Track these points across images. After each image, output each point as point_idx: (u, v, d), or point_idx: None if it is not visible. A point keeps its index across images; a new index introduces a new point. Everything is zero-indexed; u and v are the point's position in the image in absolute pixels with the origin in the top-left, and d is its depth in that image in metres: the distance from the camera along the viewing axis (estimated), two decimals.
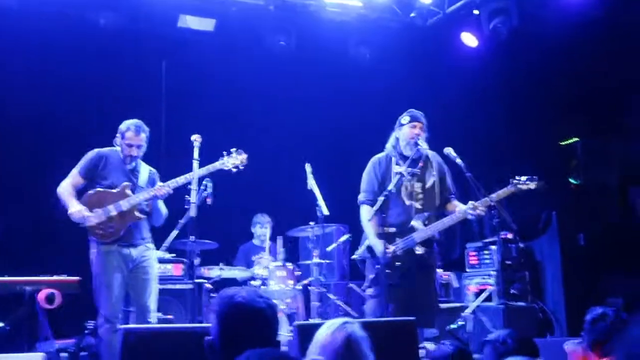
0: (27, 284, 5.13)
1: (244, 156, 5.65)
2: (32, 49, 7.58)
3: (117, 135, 5.58)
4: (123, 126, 5.56)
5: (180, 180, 5.49)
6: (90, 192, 5.45)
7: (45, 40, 7.59)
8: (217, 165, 5.59)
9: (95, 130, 7.12)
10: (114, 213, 5.36)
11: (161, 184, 5.53)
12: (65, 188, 5.39)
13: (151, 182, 5.70)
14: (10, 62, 7.49)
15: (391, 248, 5.39)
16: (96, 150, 5.57)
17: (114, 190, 5.46)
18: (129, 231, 5.44)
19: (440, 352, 3.58)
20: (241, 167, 5.64)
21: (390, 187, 5.43)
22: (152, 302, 5.45)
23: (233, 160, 5.63)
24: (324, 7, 8.29)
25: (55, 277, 5.47)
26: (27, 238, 7.07)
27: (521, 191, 5.50)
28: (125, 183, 5.49)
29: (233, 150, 5.63)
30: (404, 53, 8.89)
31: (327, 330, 2.82)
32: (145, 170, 5.70)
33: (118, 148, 5.60)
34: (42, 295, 4.95)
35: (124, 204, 5.39)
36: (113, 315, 5.25)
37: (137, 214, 5.46)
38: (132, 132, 5.51)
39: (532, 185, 5.49)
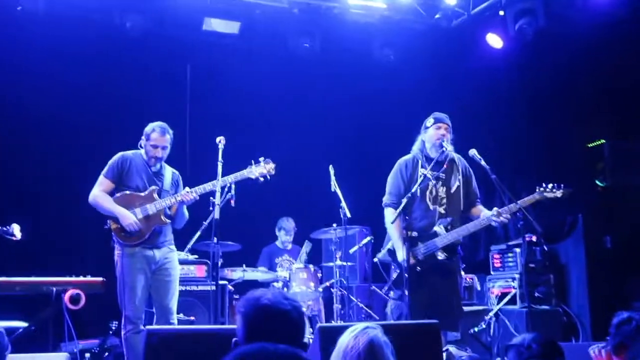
0: (53, 285, 5.19)
1: (271, 165, 5.69)
2: (58, 52, 7.66)
3: (142, 137, 5.63)
4: (148, 128, 5.61)
5: (208, 187, 5.54)
6: (118, 195, 5.51)
7: (71, 44, 7.68)
8: (244, 173, 5.64)
9: (121, 133, 7.19)
10: (140, 216, 5.42)
11: (188, 189, 5.57)
12: (101, 196, 5.45)
13: (175, 185, 5.76)
14: (36, 66, 7.59)
15: (412, 260, 5.36)
16: (120, 153, 5.62)
17: (141, 194, 5.53)
18: (154, 234, 5.49)
19: None
20: (268, 177, 5.68)
21: (414, 189, 5.41)
22: (174, 303, 5.51)
23: (260, 169, 5.66)
24: (347, 9, 8.28)
25: (80, 278, 5.52)
26: (52, 239, 7.17)
27: (547, 199, 5.44)
28: (153, 187, 5.56)
29: (261, 159, 5.67)
30: (428, 55, 8.86)
31: (349, 335, 2.82)
32: (169, 173, 5.76)
33: (142, 151, 5.66)
34: (67, 296, 5.00)
35: (151, 208, 5.46)
36: (136, 317, 5.30)
37: (163, 218, 5.52)
38: (158, 133, 5.56)
39: (559, 194, 5.42)
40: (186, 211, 5.76)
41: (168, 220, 5.57)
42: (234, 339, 2.45)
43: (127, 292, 5.28)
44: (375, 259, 5.85)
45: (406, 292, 5.18)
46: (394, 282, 5.53)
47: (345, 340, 2.81)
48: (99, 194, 5.46)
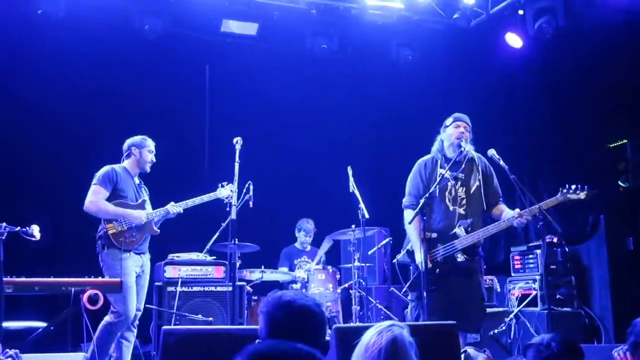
0: (72, 285, 5.20)
1: (229, 189, 6.19)
2: (78, 55, 7.73)
3: (133, 148, 6.10)
4: (137, 138, 6.14)
5: (189, 203, 6.15)
6: (114, 202, 5.89)
7: (90, 47, 7.74)
8: (216, 194, 6.24)
9: (141, 134, 7.23)
10: (141, 222, 5.90)
11: (173, 203, 6.10)
12: (102, 202, 5.83)
13: (149, 197, 6.28)
14: (57, 69, 7.66)
15: (430, 262, 5.31)
16: (109, 166, 6.01)
17: (133, 203, 5.98)
18: (144, 241, 6.04)
19: None
20: (230, 200, 6.11)
21: (431, 189, 5.36)
22: (141, 303, 6.01)
23: (226, 192, 6.22)
24: (365, 9, 8.25)
25: (99, 279, 5.54)
26: (71, 240, 7.21)
27: (570, 201, 5.33)
28: (143, 198, 6.10)
29: (225, 183, 6.25)
30: (447, 55, 8.82)
31: (374, 331, 2.80)
32: (144, 187, 6.28)
33: (125, 163, 6.12)
34: (85, 296, 5.02)
35: (143, 218, 5.92)
36: (131, 313, 5.72)
37: (154, 227, 6.05)
38: (149, 140, 6.15)
39: (582, 195, 5.28)
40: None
41: (157, 230, 6.09)
42: (257, 341, 2.42)
43: (126, 291, 5.63)
44: (394, 261, 5.81)
45: (424, 294, 5.14)
46: (412, 283, 5.49)
47: (368, 335, 2.78)
48: (98, 200, 5.82)
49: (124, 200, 5.92)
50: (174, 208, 6.06)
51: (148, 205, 6.12)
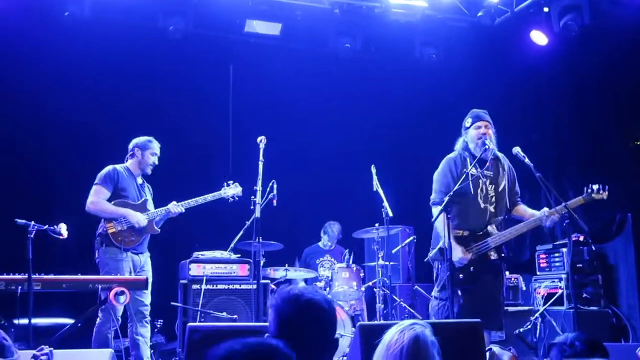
0: (99, 282, 5.28)
1: (239, 188, 6.42)
2: (104, 56, 7.83)
3: (135, 149, 6.19)
4: (142, 140, 6.25)
5: (192, 202, 6.19)
6: (115, 202, 5.98)
7: (116, 47, 7.82)
8: (220, 193, 6.35)
9: (165, 135, 7.30)
10: (139, 226, 5.95)
11: (175, 203, 6.14)
12: (102, 202, 5.94)
13: (152, 196, 6.34)
14: (82, 70, 7.76)
15: (468, 255, 5.31)
16: (111, 166, 6.10)
17: (134, 203, 6.05)
18: (144, 240, 6.09)
19: None
20: (236, 198, 6.40)
21: (457, 186, 5.31)
22: (148, 299, 6.00)
23: (232, 191, 6.38)
24: (389, 8, 8.23)
25: (125, 276, 5.62)
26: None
27: (594, 201, 5.35)
28: (145, 198, 6.14)
29: (230, 182, 6.42)
30: (471, 53, 8.77)
31: (396, 329, 2.80)
32: (146, 185, 6.33)
33: (128, 163, 6.21)
34: (112, 294, 5.09)
35: (145, 220, 5.98)
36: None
37: (155, 227, 6.11)
38: (155, 143, 6.23)
39: (605, 195, 5.33)
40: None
41: (158, 230, 6.15)
42: (266, 335, 2.42)
43: None
44: (426, 259, 5.79)
45: (459, 292, 5.15)
46: (443, 283, 5.46)
47: (391, 334, 2.78)
48: (99, 200, 5.93)
49: (125, 200, 6.01)
50: (176, 208, 6.12)
51: (150, 205, 6.20)
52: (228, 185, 6.39)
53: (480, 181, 5.53)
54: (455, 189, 5.32)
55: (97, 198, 5.92)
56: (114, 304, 5.16)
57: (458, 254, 5.29)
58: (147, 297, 5.98)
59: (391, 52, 8.93)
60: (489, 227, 5.45)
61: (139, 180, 6.24)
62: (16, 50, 7.54)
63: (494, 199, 5.57)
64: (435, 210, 5.52)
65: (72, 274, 5.25)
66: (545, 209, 5.41)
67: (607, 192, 5.34)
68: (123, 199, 6.01)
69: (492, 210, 5.54)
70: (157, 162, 6.23)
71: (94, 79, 7.85)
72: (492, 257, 5.43)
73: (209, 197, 6.28)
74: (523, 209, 5.68)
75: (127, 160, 6.24)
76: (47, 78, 7.64)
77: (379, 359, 2.76)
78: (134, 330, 5.91)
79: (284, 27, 8.40)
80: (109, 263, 5.83)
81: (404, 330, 2.76)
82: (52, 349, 3.58)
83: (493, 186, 5.58)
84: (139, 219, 5.92)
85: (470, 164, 5.51)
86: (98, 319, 5.70)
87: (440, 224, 5.37)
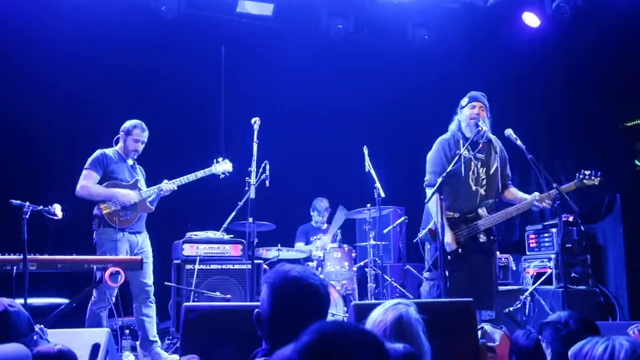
0: (94, 263, 5.31)
1: (229, 164, 6.50)
2: (95, 37, 7.75)
3: (121, 133, 6.22)
4: (129, 124, 6.21)
5: (183, 180, 6.23)
6: (107, 183, 6.03)
7: (107, 28, 7.76)
8: (211, 169, 6.41)
9: (157, 115, 7.30)
10: (130, 202, 6.02)
11: (167, 181, 6.20)
12: (92, 185, 5.98)
13: (144, 178, 6.38)
14: (73, 50, 7.70)
15: (454, 245, 5.36)
16: (100, 150, 6.13)
17: (125, 183, 6.10)
18: (139, 220, 6.11)
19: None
20: (227, 174, 6.48)
21: (449, 168, 5.35)
22: (150, 279, 6.08)
23: (222, 167, 6.46)
24: None
25: (120, 257, 5.65)
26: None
27: (585, 186, 5.42)
28: (136, 178, 6.18)
29: (220, 159, 6.48)
30: (463, 34, 8.77)
31: (381, 309, 2.84)
32: (138, 167, 6.37)
33: (117, 147, 6.23)
34: (107, 274, 5.12)
35: (138, 196, 6.05)
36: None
37: (149, 205, 6.16)
38: (139, 129, 6.19)
39: (596, 181, 5.40)
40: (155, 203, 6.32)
41: (152, 208, 6.19)
42: (256, 310, 2.42)
43: None
44: (416, 239, 5.85)
45: (447, 273, 5.21)
46: (434, 262, 5.52)
47: (375, 314, 2.82)
48: (88, 184, 5.97)
49: (116, 182, 6.05)
50: (167, 185, 6.16)
51: (142, 185, 6.23)
52: (218, 161, 6.44)
53: (472, 163, 5.57)
54: (448, 170, 5.35)
55: (86, 182, 5.97)
56: (109, 284, 5.19)
57: (447, 238, 5.35)
58: (149, 278, 6.04)
59: (384, 33, 8.91)
60: (479, 210, 5.49)
61: (130, 162, 6.26)
62: (3, 29, 7.47)
63: (485, 181, 5.61)
64: (429, 191, 5.55)
65: (67, 255, 5.27)
66: (536, 193, 5.46)
67: (599, 178, 5.39)
68: (114, 180, 6.05)
69: (483, 192, 5.59)
70: (139, 149, 6.21)
71: (87, 58, 7.78)
72: (482, 240, 5.48)
73: (200, 173, 6.32)
74: (514, 192, 5.74)
75: (116, 144, 6.27)
76: (38, 58, 7.58)
77: None
78: (139, 311, 5.98)
79: (276, 8, 8.37)
80: (105, 244, 5.89)
81: (387, 311, 2.80)
82: (42, 326, 3.60)
83: (484, 169, 5.62)
84: (130, 196, 5.98)
85: (463, 146, 5.54)
86: (92, 297, 5.76)
87: (433, 205, 5.42)
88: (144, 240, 6.15)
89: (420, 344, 2.73)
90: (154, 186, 6.18)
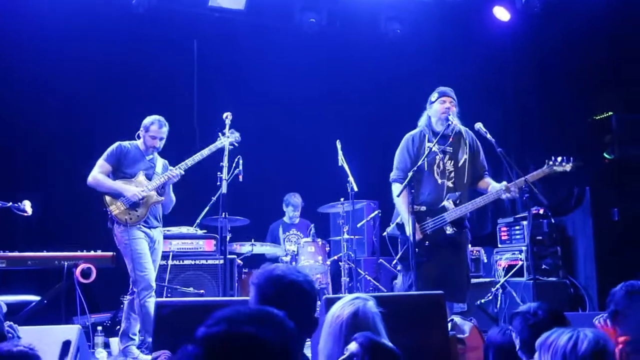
0: (64, 259, 5.28)
1: (236, 134, 6.13)
2: (66, 29, 7.67)
3: (141, 129, 6.07)
4: (147, 121, 6.07)
5: (189, 162, 6.01)
6: (119, 179, 5.89)
7: (78, 20, 7.68)
8: (217, 144, 6.07)
9: (129, 109, 7.25)
10: (136, 199, 5.84)
11: (172, 168, 6.05)
12: (102, 177, 5.85)
13: (165, 171, 6.16)
14: (45, 42, 7.62)
15: (420, 235, 5.39)
16: (118, 143, 6.00)
17: (132, 180, 5.95)
18: (151, 214, 5.96)
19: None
20: (236, 144, 6.11)
21: (419, 163, 5.41)
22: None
23: (230, 139, 6.11)
24: None
25: (91, 253, 5.62)
26: (63, 215, 7.25)
27: (556, 173, 5.40)
28: (141, 171, 5.98)
29: (225, 130, 6.07)
30: (435, 28, 8.82)
31: (339, 304, 2.86)
32: (160, 162, 6.20)
33: (139, 141, 6.10)
34: (78, 270, 5.09)
35: (145, 190, 5.89)
36: (151, 281, 5.72)
37: (156, 197, 5.98)
38: (156, 125, 6.05)
39: (568, 167, 5.31)
40: (173, 195, 6.14)
41: (162, 198, 6.02)
42: None
43: (141, 260, 5.67)
44: (385, 234, 5.88)
45: (413, 266, 5.22)
46: (402, 256, 5.56)
47: (334, 309, 2.85)
48: (99, 175, 5.85)
49: (126, 179, 5.91)
50: (174, 171, 5.98)
51: (154, 178, 6.02)
52: (224, 134, 6.07)
53: (438, 157, 5.58)
54: (417, 166, 5.37)
55: (97, 172, 5.85)
56: (80, 281, 5.16)
57: (409, 230, 5.35)
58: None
59: (356, 27, 8.92)
60: (445, 202, 5.51)
61: (149, 157, 6.09)
62: None
63: (452, 174, 5.62)
64: (395, 187, 5.60)
65: (38, 251, 5.23)
66: (504, 182, 5.48)
67: (571, 164, 5.35)
68: (123, 176, 5.92)
69: (450, 185, 5.59)
70: (156, 145, 6.05)
71: (57, 52, 7.69)
72: (448, 232, 5.50)
73: (206, 151, 6.04)
74: (487, 182, 5.70)
75: (138, 139, 6.13)
76: (7, 51, 7.49)
77: (324, 335, 2.83)
78: (144, 302, 5.77)
79: (249, 2, 8.32)
80: (123, 241, 5.77)
81: (344, 306, 2.82)
82: (11, 323, 3.57)
83: (452, 161, 5.62)
84: (134, 192, 5.81)
85: (429, 140, 5.58)
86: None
87: (399, 200, 5.47)
88: (157, 236, 6.03)
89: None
90: (158, 177, 6.00)
